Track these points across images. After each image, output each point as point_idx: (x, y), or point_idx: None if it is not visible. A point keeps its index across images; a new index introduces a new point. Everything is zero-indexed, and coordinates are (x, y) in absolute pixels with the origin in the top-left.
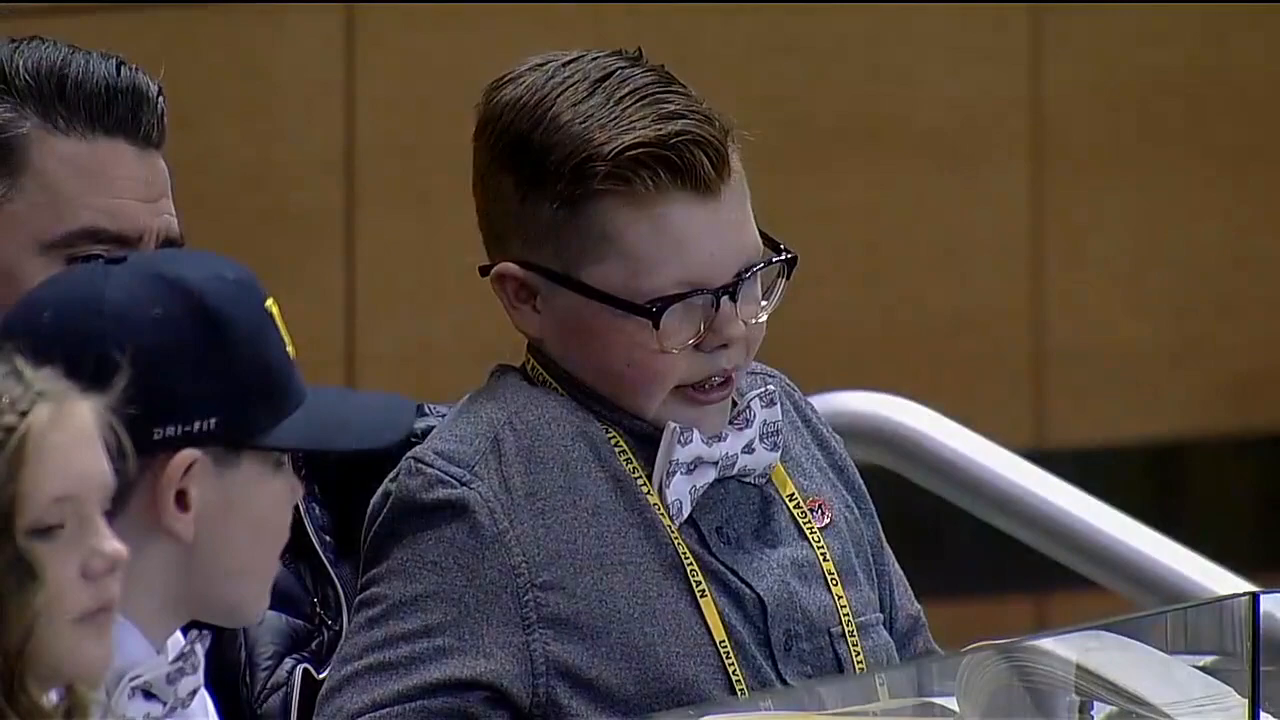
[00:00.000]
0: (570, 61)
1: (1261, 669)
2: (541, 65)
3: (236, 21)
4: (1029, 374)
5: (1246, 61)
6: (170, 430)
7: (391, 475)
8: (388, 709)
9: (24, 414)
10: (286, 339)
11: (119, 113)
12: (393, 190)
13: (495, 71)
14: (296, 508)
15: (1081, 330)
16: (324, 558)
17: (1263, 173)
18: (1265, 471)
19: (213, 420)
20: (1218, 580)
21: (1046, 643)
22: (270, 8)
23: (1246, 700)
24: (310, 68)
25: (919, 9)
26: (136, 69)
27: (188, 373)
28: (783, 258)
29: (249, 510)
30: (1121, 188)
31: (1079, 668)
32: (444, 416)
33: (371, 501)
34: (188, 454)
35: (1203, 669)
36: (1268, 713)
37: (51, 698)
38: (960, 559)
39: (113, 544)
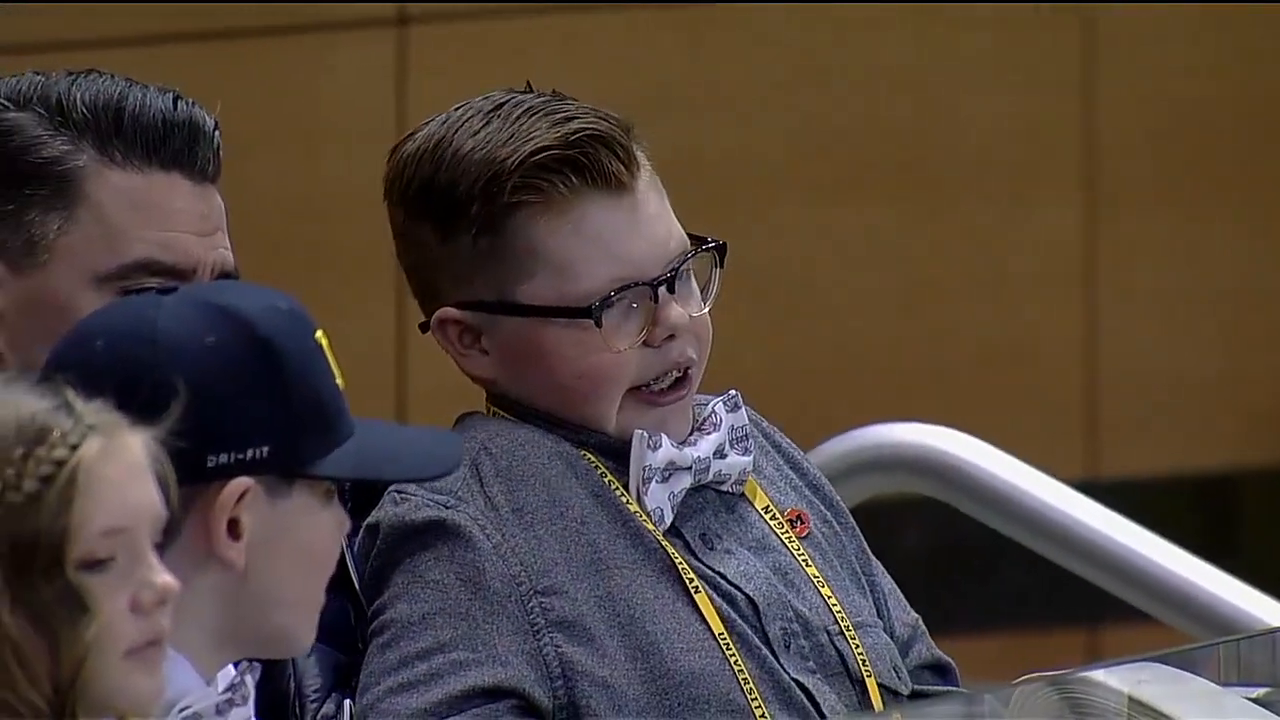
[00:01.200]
0: (461, 106)
1: None
2: (433, 119)
3: (286, 53)
4: (1081, 405)
5: None
6: (224, 458)
7: (372, 513)
8: None
9: (75, 447)
10: (336, 371)
11: (175, 146)
12: None
13: None
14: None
15: (1133, 361)
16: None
17: None
18: None
19: (265, 449)
20: (1270, 612)
21: (1098, 674)
22: (321, 39)
23: None
24: (361, 99)
25: (967, 35)
26: (193, 103)
27: (241, 400)
28: (711, 245)
29: (298, 540)
30: (1173, 218)
31: (1131, 699)
32: None
33: (358, 540)
34: (241, 482)
35: (1255, 701)
36: None
37: None
38: (1011, 590)
39: (163, 577)
